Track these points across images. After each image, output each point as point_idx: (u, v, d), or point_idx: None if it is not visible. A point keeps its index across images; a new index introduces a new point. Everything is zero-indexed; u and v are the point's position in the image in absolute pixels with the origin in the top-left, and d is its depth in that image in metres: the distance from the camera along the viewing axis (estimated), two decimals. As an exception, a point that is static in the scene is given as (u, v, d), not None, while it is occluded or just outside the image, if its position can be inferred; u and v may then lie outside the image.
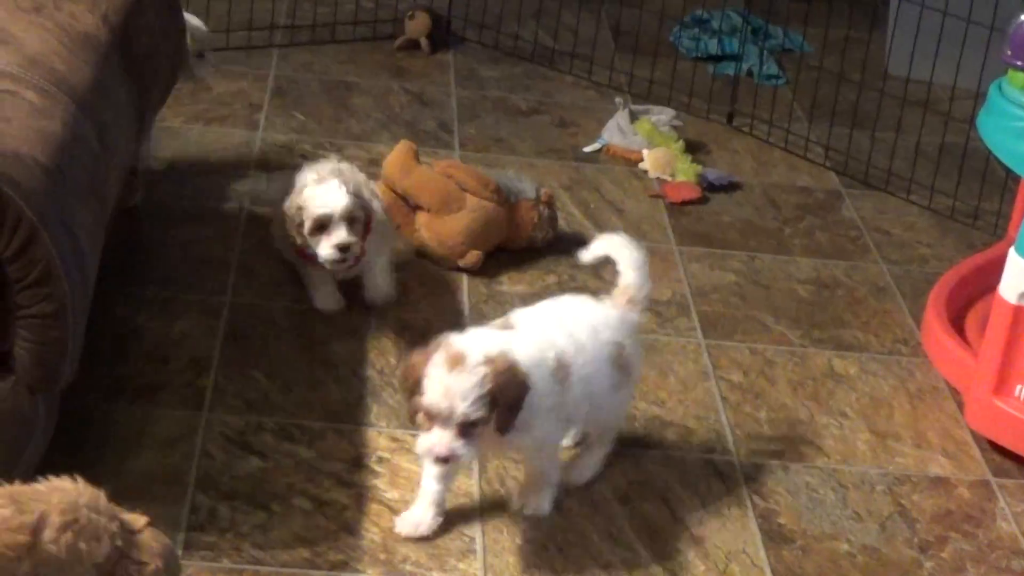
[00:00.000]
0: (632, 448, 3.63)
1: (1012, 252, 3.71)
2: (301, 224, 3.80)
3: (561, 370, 3.21)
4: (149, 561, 2.60)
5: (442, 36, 5.86)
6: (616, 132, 5.18)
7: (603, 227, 4.64)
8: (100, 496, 2.60)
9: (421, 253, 4.31)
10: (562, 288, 4.27)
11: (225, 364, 3.73)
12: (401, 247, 4.25)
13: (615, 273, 3.52)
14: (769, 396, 3.92)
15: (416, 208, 4.35)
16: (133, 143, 3.89)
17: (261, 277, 4.13)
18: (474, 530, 3.29)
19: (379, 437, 3.54)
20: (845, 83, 5.38)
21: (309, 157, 4.82)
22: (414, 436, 3.18)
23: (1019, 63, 3.85)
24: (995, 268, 3.88)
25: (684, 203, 4.85)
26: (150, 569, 2.59)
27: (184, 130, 4.87)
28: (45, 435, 3.13)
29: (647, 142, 5.11)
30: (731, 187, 5.01)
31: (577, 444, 3.52)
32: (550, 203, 4.45)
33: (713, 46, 5.98)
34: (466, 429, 3.03)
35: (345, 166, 4.03)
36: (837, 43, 5.54)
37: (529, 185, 4.46)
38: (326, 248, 3.78)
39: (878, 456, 3.73)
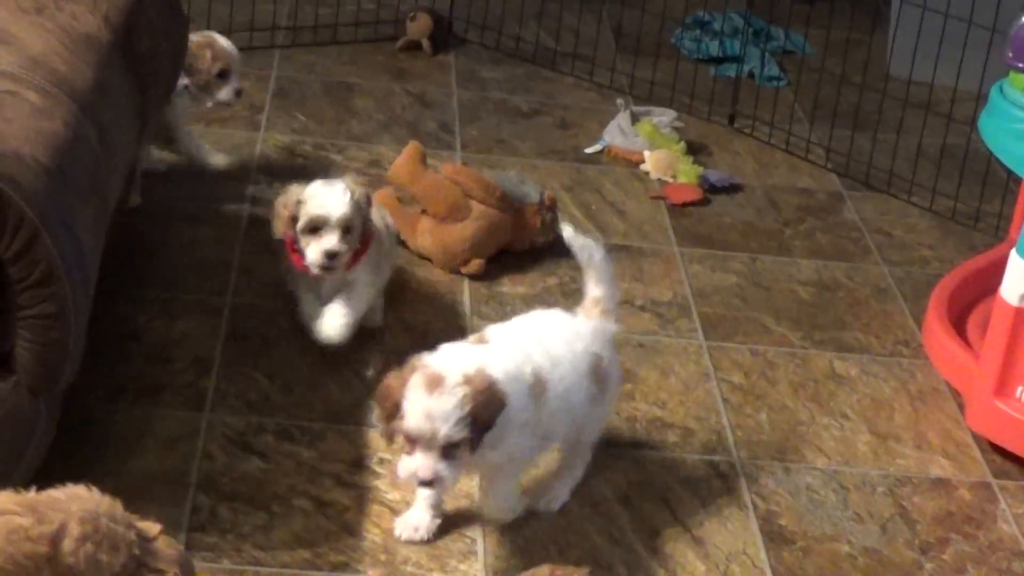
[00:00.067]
0: (633, 449, 3.64)
1: (1013, 254, 3.71)
2: (295, 218, 3.69)
3: (538, 385, 3.16)
4: (167, 569, 2.60)
5: (443, 37, 5.87)
6: (617, 133, 5.18)
7: (604, 228, 4.65)
8: (117, 505, 2.60)
9: (423, 257, 4.31)
10: (563, 290, 4.27)
11: (226, 365, 3.74)
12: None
13: (585, 281, 3.47)
14: (770, 397, 3.92)
15: (422, 212, 4.35)
16: (134, 143, 3.89)
17: (262, 278, 4.13)
18: (475, 531, 3.29)
19: (380, 438, 3.53)
20: (846, 85, 5.38)
21: (310, 159, 4.84)
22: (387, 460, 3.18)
23: (1020, 65, 3.86)
24: (996, 270, 3.88)
25: (685, 204, 4.85)
26: None
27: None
28: (46, 436, 3.13)
29: (648, 143, 5.11)
30: (732, 189, 5.01)
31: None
32: (553, 208, 4.45)
33: (715, 48, 5.99)
34: (448, 451, 2.99)
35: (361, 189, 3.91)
36: (839, 45, 5.54)
37: (532, 188, 4.46)
38: (314, 251, 3.66)
39: (879, 457, 3.74)
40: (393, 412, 3.01)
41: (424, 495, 3.25)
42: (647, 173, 5.02)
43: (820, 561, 3.35)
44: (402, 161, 4.40)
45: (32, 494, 2.54)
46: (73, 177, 3.19)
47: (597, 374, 3.32)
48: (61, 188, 3.10)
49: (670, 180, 4.97)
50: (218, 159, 4.62)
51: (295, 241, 3.72)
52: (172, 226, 4.33)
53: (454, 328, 4.00)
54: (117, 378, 3.63)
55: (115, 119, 3.59)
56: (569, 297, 4.23)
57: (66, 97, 3.32)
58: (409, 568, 3.17)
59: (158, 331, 3.84)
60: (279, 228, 3.72)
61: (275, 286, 4.09)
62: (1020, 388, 3.71)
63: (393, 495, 3.35)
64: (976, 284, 4.29)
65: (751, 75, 5.83)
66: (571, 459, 3.40)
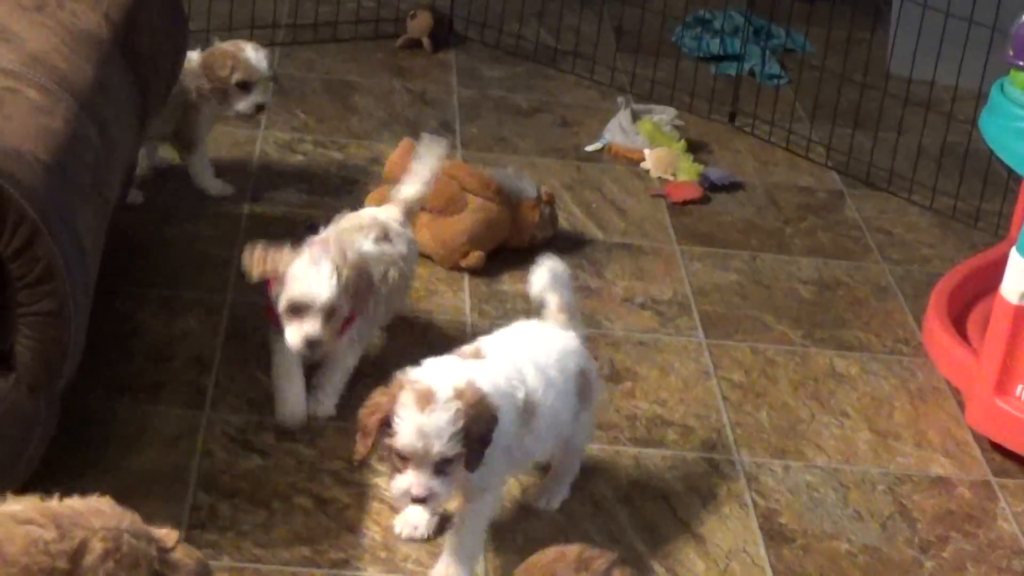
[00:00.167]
0: (633, 447, 3.64)
1: (1014, 252, 3.71)
2: (278, 294, 3.41)
3: (528, 410, 3.12)
4: None
5: (444, 35, 5.87)
6: (618, 132, 5.18)
7: (605, 226, 4.65)
8: (138, 520, 2.59)
9: (423, 254, 4.31)
10: (563, 287, 4.27)
11: (226, 363, 3.73)
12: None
13: (540, 290, 3.39)
14: (770, 395, 3.92)
15: (420, 209, 4.34)
16: (134, 141, 3.89)
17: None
18: (475, 529, 3.29)
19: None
20: (847, 83, 5.38)
21: (310, 156, 4.83)
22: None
23: (1021, 63, 3.85)
24: (996, 268, 3.88)
25: (686, 203, 4.85)
26: None
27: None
28: (46, 433, 3.13)
29: (649, 142, 5.12)
30: (733, 187, 5.01)
31: (544, 470, 3.43)
32: (551, 202, 4.45)
33: (715, 46, 5.99)
34: (442, 467, 2.92)
35: (380, 222, 3.71)
36: (839, 43, 5.54)
37: (530, 184, 4.47)
38: (295, 336, 3.39)
39: (879, 456, 3.74)
40: (382, 429, 2.94)
41: None
42: (647, 171, 5.02)
43: (820, 559, 3.35)
44: (397, 157, 4.41)
45: (55, 504, 2.53)
46: (73, 175, 3.19)
47: (583, 391, 3.29)
48: (61, 186, 3.10)
49: (670, 178, 4.97)
50: (215, 185, 4.52)
51: (274, 308, 3.45)
52: (172, 224, 4.33)
53: (455, 326, 4.00)
54: (117, 376, 3.63)
55: (115, 117, 3.59)
56: (569, 295, 4.23)
57: (66, 94, 3.32)
58: (409, 565, 3.17)
59: (158, 329, 3.84)
60: (254, 276, 3.44)
61: (275, 284, 4.10)
62: (1020, 387, 3.70)
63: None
64: (976, 282, 4.29)
65: (752, 73, 5.83)
66: (566, 460, 3.39)
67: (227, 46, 4.43)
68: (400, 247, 3.69)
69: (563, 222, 4.57)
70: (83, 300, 3.15)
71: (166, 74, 4.14)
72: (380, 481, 3.38)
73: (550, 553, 2.69)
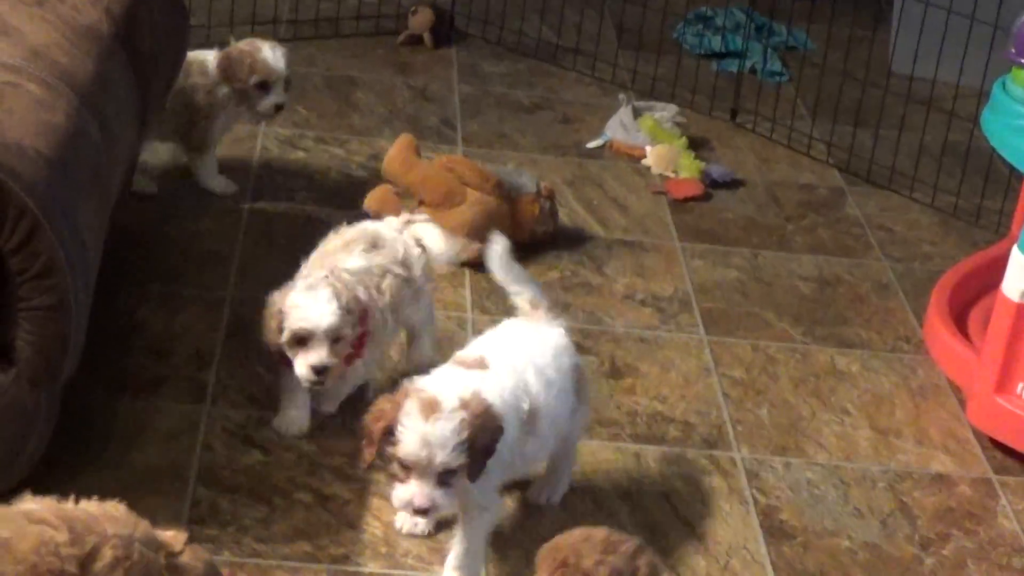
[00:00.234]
0: (634, 444, 3.63)
1: (1015, 250, 3.71)
2: (280, 328, 3.35)
3: (531, 418, 3.10)
4: None
5: (445, 31, 5.86)
6: (619, 128, 5.18)
7: (606, 223, 4.65)
8: (149, 527, 2.59)
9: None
10: (564, 283, 4.28)
11: (227, 358, 3.73)
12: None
13: (511, 296, 3.39)
14: (771, 392, 3.91)
15: (419, 204, 4.35)
16: (135, 136, 3.88)
17: (262, 271, 4.11)
18: (475, 525, 3.28)
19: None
20: (849, 81, 5.38)
21: (311, 152, 4.82)
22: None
23: (1023, 61, 3.85)
24: (998, 266, 3.88)
25: (687, 199, 4.85)
26: None
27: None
28: (47, 428, 3.13)
29: (650, 139, 5.11)
30: (734, 184, 5.01)
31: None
32: (551, 197, 4.45)
33: (717, 43, 5.98)
34: (445, 477, 2.89)
35: (385, 238, 3.62)
36: (841, 41, 5.53)
37: (529, 179, 4.47)
38: (301, 366, 3.33)
39: (880, 453, 3.73)
40: (386, 438, 2.91)
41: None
42: (649, 168, 5.02)
43: (820, 556, 3.35)
44: (394, 153, 4.41)
45: (71, 507, 2.52)
46: (74, 169, 3.19)
47: (579, 387, 3.29)
48: (62, 180, 3.10)
49: (672, 175, 4.97)
50: (220, 184, 4.48)
51: (283, 351, 3.40)
52: (173, 220, 4.33)
53: (456, 322, 4.00)
54: (118, 372, 3.63)
55: (116, 112, 3.59)
56: (571, 291, 4.24)
57: (67, 89, 3.32)
58: (410, 561, 3.16)
59: (159, 325, 3.84)
60: (270, 339, 3.38)
61: (276, 280, 4.08)
62: (1021, 384, 3.70)
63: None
64: (977, 280, 4.29)
65: (753, 70, 5.82)
66: (563, 455, 3.37)
67: (244, 46, 4.36)
68: (395, 253, 3.59)
69: (564, 219, 4.56)
70: (84, 295, 3.15)
71: (167, 70, 4.14)
72: (381, 477, 3.38)
73: (576, 534, 2.68)
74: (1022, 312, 3.67)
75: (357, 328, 3.37)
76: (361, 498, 3.31)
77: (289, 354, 3.35)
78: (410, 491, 2.91)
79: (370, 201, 4.42)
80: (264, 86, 4.34)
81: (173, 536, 2.61)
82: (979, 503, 3.60)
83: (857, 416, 3.86)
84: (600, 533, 2.66)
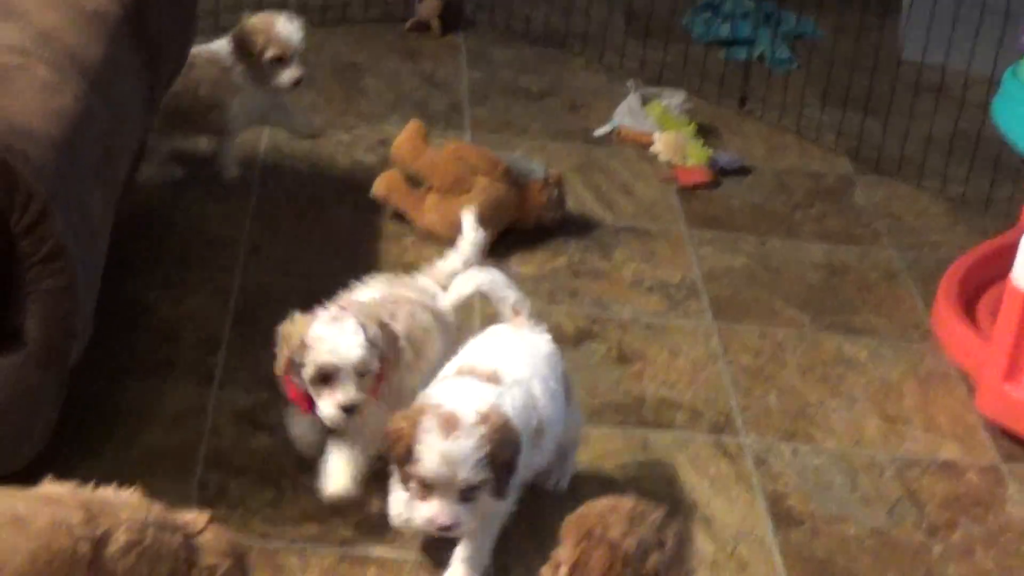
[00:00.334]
0: (641, 429, 3.63)
1: (1024, 237, 3.70)
2: (301, 364, 3.12)
3: (537, 435, 3.07)
4: (218, 562, 2.61)
5: (453, 18, 5.85)
6: (627, 115, 5.17)
7: (614, 210, 4.64)
8: (165, 511, 2.60)
9: (431, 233, 4.31)
10: (572, 270, 4.27)
11: (235, 342, 3.73)
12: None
13: (494, 302, 3.37)
14: (779, 379, 3.91)
15: (427, 190, 4.34)
16: (144, 120, 3.88)
17: (270, 256, 4.13)
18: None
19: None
20: (858, 68, 5.36)
21: (319, 138, 4.81)
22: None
23: (1033, 48, 3.85)
24: (1007, 255, 3.87)
25: (695, 187, 4.84)
26: (222, 571, 2.60)
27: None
28: (55, 410, 3.14)
29: (658, 125, 5.10)
30: (742, 171, 5.00)
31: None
32: (559, 183, 4.44)
33: (725, 30, 5.97)
34: (467, 493, 2.87)
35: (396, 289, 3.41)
36: (850, 28, 5.52)
37: (538, 166, 4.46)
38: (328, 406, 3.10)
39: (888, 440, 3.73)
40: (406, 456, 2.87)
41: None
42: (657, 155, 5.01)
43: (828, 542, 3.35)
44: (403, 139, 4.41)
45: (88, 491, 2.56)
46: (83, 153, 3.19)
47: (568, 392, 3.25)
48: (71, 163, 3.10)
49: (680, 162, 4.96)
50: (231, 171, 4.46)
51: (297, 384, 3.18)
52: (180, 204, 4.33)
53: (463, 308, 3.98)
54: (126, 355, 3.63)
55: (125, 95, 3.59)
56: (578, 277, 4.23)
57: (76, 72, 3.32)
58: (418, 544, 3.16)
59: (167, 308, 3.84)
60: (281, 367, 3.16)
61: (284, 264, 4.10)
62: (1030, 372, 3.70)
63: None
64: (987, 269, 4.28)
65: (762, 58, 5.81)
66: (568, 447, 3.35)
67: (257, 21, 4.32)
68: (415, 283, 3.45)
69: (572, 205, 4.56)
70: (92, 278, 3.15)
71: (175, 54, 4.13)
72: (388, 461, 3.38)
73: (602, 504, 2.67)
74: (1031, 300, 3.66)
75: (380, 362, 3.15)
76: (368, 480, 3.31)
77: (312, 392, 3.12)
78: (432, 509, 2.87)
79: (378, 187, 4.41)
80: (281, 60, 4.30)
81: (195, 517, 2.64)
82: (987, 490, 3.59)
83: (865, 403, 3.86)
84: (627, 503, 2.65)
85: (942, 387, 3.97)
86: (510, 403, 2.97)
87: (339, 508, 3.21)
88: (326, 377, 3.08)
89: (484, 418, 2.85)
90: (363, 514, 3.22)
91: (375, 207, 4.40)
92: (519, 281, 4.10)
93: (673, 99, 5.26)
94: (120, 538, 2.54)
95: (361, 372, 3.09)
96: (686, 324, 4.10)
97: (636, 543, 2.58)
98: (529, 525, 3.21)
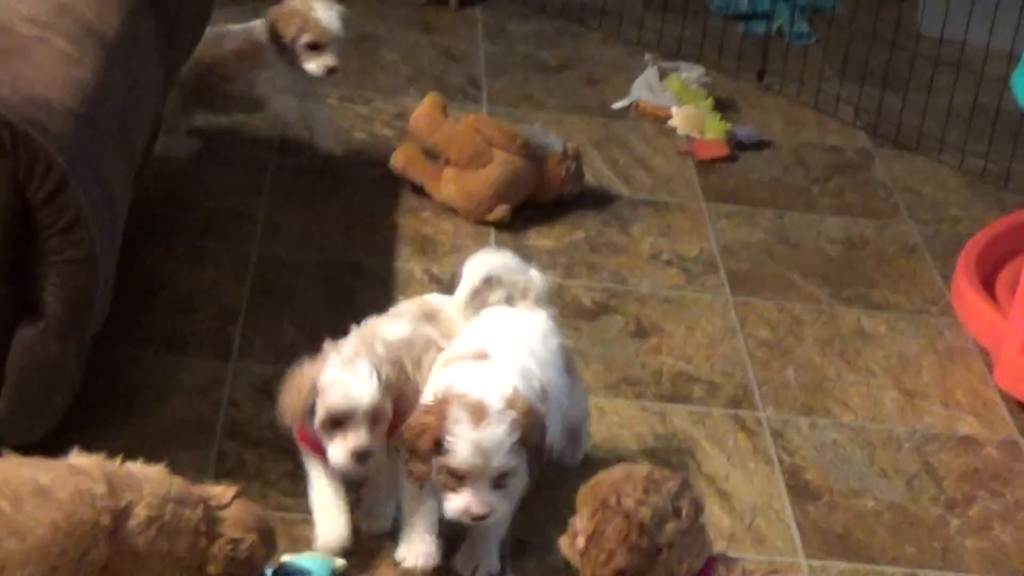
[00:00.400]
0: (658, 403, 3.63)
1: (1044, 211, 3.69)
2: (312, 407, 2.95)
3: (543, 401, 2.99)
4: (243, 536, 2.62)
5: (471, -9, 5.84)
6: (645, 89, 5.16)
7: (631, 183, 4.63)
8: (187, 485, 2.62)
9: (448, 207, 4.31)
10: (590, 243, 4.27)
11: (252, 313, 3.74)
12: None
13: (506, 285, 3.23)
14: (797, 353, 3.91)
15: (445, 163, 4.34)
16: (162, 92, 3.88)
17: (288, 228, 4.13)
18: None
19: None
20: (877, 42, 5.34)
21: (336, 111, 4.80)
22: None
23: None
24: (1026, 228, 3.86)
25: (713, 161, 4.83)
26: (246, 545, 2.62)
27: (213, 82, 4.86)
28: (74, 381, 3.14)
29: (676, 99, 5.09)
30: (760, 145, 4.99)
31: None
32: (577, 157, 4.44)
33: (744, 4, 5.95)
34: (500, 480, 2.82)
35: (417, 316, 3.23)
36: (869, 2, 5.50)
37: (555, 140, 4.45)
38: (340, 452, 2.92)
39: (905, 414, 3.72)
40: (432, 449, 2.81)
41: (418, 518, 2.99)
42: (675, 129, 5.00)
43: (845, 516, 3.35)
44: (421, 112, 4.40)
45: (113, 464, 2.59)
46: (101, 124, 3.19)
47: (569, 365, 3.20)
48: (89, 135, 3.10)
49: (698, 136, 4.95)
50: (281, 104, 4.37)
51: (309, 432, 3.01)
52: (198, 175, 4.33)
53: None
54: (144, 326, 3.64)
55: (143, 67, 3.59)
56: (596, 251, 4.23)
57: (94, 44, 3.32)
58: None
59: (185, 280, 3.84)
60: (290, 417, 2.98)
61: (302, 236, 4.10)
62: (1049, 347, 3.69)
63: (419, 445, 3.34)
64: (1005, 243, 4.27)
65: (780, 32, 5.79)
66: (578, 423, 3.32)
67: (296, 4, 4.24)
68: (449, 328, 3.21)
69: (590, 179, 4.55)
70: (110, 248, 3.15)
71: (192, 26, 4.13)
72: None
73: (617, 472, 2.67)
74: (1051, 274, 3.65)
75: (393, 405, 2.98)
76: (387, 454, 3.31)
77: (323, 438, 2.95)
78: (465, 499, 2.82)
79: (396, 160, 4.41)
80: (315, 47, 4.21)
81: (222, 490, 2.66)
82: (1005, 465, 3.59)
83: (883, 377, 3.85)
84: (641, 470, 2.65)
85: (960, 362, 3.96)
86: (517, 380, 2.91)
87: (355, 482, 3.20)
88: (337, 422, 2.92)
89: (511, 403, 2.81)
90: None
91: (392, 180, 4.40)
92: (536, 255, 4.11)
93: (691, 73, 5.24)
94: (141, 513, 2.56)
95: (374, 417, 2.92)
96: (704, 298, 4.09)
97: (652, 512, 2.58)
98: (545, 495, 3.21)
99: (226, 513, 2.63)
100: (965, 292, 4.05)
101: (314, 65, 4.24)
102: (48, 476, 2.55)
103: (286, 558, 2.85)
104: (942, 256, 4.43)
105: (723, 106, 5.15)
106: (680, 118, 5.01)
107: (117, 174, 3.27)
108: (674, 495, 2.62)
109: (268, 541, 2.70)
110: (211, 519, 2.62)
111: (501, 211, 4.26)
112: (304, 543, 3.04)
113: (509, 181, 4.28)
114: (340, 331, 3.66)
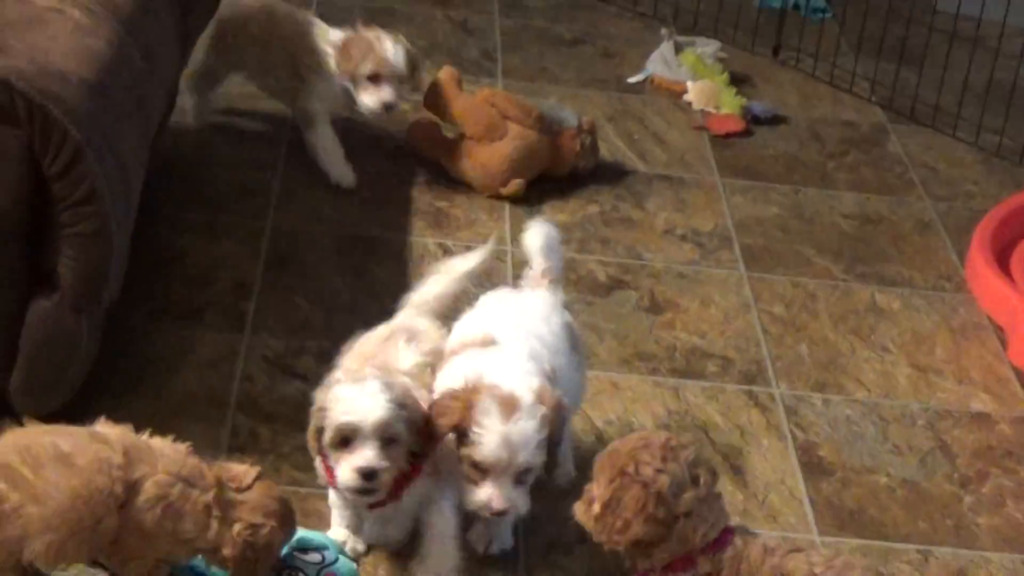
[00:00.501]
0: (672, 378, 3.63)
1: (1060, 188, 3.68)
2: (321, 430, 2.83)
3: (554, 385, 2.93)
4: (263, 522, 2.61)
5: (486, -35, 5.82)
6: (661, 64, 5.15)
7: (646, 158, 4.63)
8: (202, 465, 2.62)
9: (463, 180, 4.30)
10: (604, 217, 4.26)
11: (266, 288, 3.74)
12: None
13: (531, 257, 3.20)
14: (811, 329, 3.90)
15: (460, 136, 4.34)
16: (177, 65, 3.88)
17: (303, 202, 4.13)
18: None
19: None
20: (893, 18, 5.32)
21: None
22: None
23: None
24: (1042, 204, 3.85)
25: (728, 135, 4.82)
26: (265, 531, 2.61)
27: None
28: (89, 354, 3.15)
29: (692, 74, 5.08)
30: (776, 120, 4.97)
31: None
32: (592, 131, 4.43)
33: (760, -21, 5.93)
34: (522, 476, 2.77)
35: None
36: (886, -23, 5.47)
37: (570, 114, 4.45)
38: (345, 470, 2.79)
39: (919, 391, 3.72)
40: (459, 438, 2.76)
41: (444, 534, 2.91)
42: (690, 104, 4.99)
43: (859, 492, 3.35)
44: (436, 85, 4.39)
45: (134, 436, 2.63)
46: (116, 96, 3.19)
47: (575, 343, 3.15)
48: (104, 107, 3.10)
49: (713, 111, 4.94)
50: (340, 173, 4.22)
51: (325, 454, 2.87)
52: (214, 148, 4.33)
53: (494, 255, 3.98)
54: (159, 299, 3.64)
55: (158, 39, 3.58)
56: (610, 225, 4.22)
57: (110, 16, 3.31)
58: (447, 491, 3.17)
59: (199, 253, 3.84)
60: (311, 444, 2.87)
61: (316, 210, 4.10)
62: (1064, 324, 3.69)
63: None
64: (1020, 220, 4.27)
65: (796, 7, 5.77)
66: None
67: (368, 34, 4.14)
68: (432, 343, 3.09)
69: (605, 153, 4.54)
70: (125, 221, 3.16)
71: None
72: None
73: (634, 440, 2.66)
74: (1066, 251, 3.65)
75: (411, 435, 2.82)
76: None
77: (332, 460, 2.84)
78: (487, 493, 2.78)
79: (410, 134, 4.41)
80: (375, 78, 4.11)
81: (244, 471, 2.65)
82: (1019, 442, 3.58)
83: (897, 354, 3.85)
84: (659, 438, 2.65)
85: (975, 338, 3.96)
86: (533, 368, 2.87)
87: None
88: (345, 440, 2.79)
89: (541, 397, 2.76)
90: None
91: (406, 154, 4.40)
92: (551, 229, 4.11)
93: (707, 48, 5.23)
94: (150, 490, 2.57)
95: (384, 436, 2.77)
96: (718, 273, 4.09)
97: (670, 481, 2.58)
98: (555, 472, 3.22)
99: (246, 496, 2.62)
100: (980, 268, 4.04)
101: (369, 99, 4.12)
102: (69, 443, 2.57)
103: (301, 533, 2.85)
104: (957, 232, 4.42)
105: (738, 81, 5.14)
106: (695, 93, 5.00)
107: (131, 146, 3.27)
108: (691, 463, 2.62)
109: (287, 526, 2.69)
110: (227, 502, 2.61)
111: (515, 185, 4.25)
112: (317, 517, 3.04)
113: (524, 155, 4.28)
114: (354, 306, 3.70)
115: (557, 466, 2.89)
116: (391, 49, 4.11)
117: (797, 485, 3.34)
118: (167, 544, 2.61)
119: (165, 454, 2.63)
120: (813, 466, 3.41)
